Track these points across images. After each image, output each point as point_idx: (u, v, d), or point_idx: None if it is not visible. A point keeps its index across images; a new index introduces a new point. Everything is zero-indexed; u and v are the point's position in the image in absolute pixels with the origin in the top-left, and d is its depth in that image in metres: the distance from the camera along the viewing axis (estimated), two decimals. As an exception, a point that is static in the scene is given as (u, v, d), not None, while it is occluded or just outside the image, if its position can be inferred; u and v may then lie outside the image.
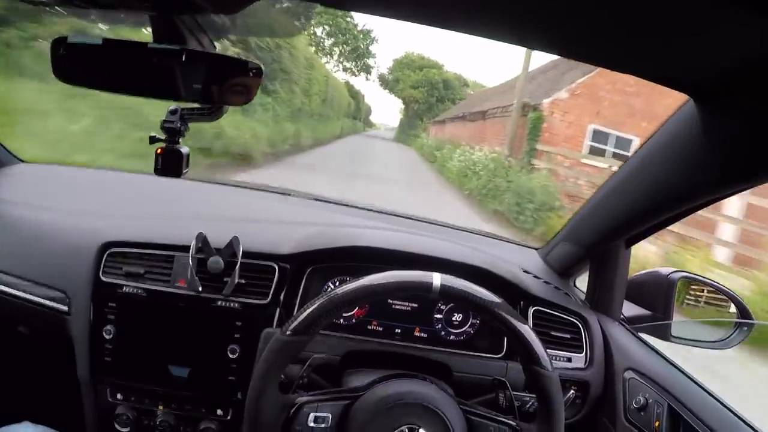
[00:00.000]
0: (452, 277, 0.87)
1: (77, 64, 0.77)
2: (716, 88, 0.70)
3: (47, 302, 1.19)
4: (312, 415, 0.86)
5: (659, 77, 0.72)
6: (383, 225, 1.53)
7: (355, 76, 42.45)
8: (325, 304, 0.85)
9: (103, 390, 1.19)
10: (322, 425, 0.87)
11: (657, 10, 0.51)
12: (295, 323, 0.84)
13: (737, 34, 0.53)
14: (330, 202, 1.70)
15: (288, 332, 0.84)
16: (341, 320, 1.23)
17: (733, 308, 1.30)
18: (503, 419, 0.92)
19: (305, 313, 0.85)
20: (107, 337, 1.15)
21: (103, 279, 1.16)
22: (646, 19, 0.53)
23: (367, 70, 45.86)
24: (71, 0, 0.73)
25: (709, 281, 1.33)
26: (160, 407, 1.19)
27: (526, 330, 0.87)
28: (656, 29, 0.56)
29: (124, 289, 1.15)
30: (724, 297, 1.31)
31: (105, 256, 1.18)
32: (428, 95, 41.60)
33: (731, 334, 1.29)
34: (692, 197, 0.96)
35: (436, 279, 0.86)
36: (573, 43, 0.68)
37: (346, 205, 1.70)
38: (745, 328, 1.28)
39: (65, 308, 1.18)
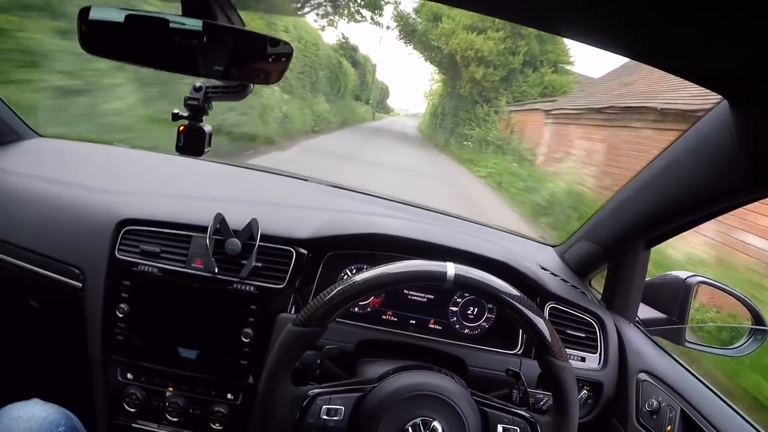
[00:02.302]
0: (466, 267, 0.86)
1: (101, 38, 0.76)
2: (752, 90, 0.68)
3: (61, 278, 1.19)
4: (324, 408, 0.86)
5: (694, 75, 0.70)
6: (401, 214, 1.52)
7: (359, 21, 22.78)
8: (336, 296, 0.84)
9: (113, 369, 1.19)
10: (335, 417, 0.86)
11: (696, 6, 0.49)
12: (307, 315, 0.84)
13: None
14: (348, 190, 1.69)
15: (300, 323, 0.84)
16: (356, 309, 1.23)
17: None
18: (518, 411, 0.91)
19: (317, 305, 0.84)
20: (120, 315, 1.15)
21: (119, 256, 1.16)
22: (684, 14, 0.52)
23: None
24: None
25: (726, 287, 1.31)
26: (170, 388, 1.19)
27: (541, 321, 0.86)
28: (695, 25, 0.54)
29: (139, 267, 1.15)
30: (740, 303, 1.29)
31: (121, 233, 1.18)
32: (505, 57, 17.47)
33: (746, 341, 1.28)
34: (719, 200, 0.94)
35: (450, 269, 0.85)
36: (609, 35, 0.67)
37: (365, 193, 1.69)
38: (760, 336, 1.26)
39: (79, 284, 1.17)
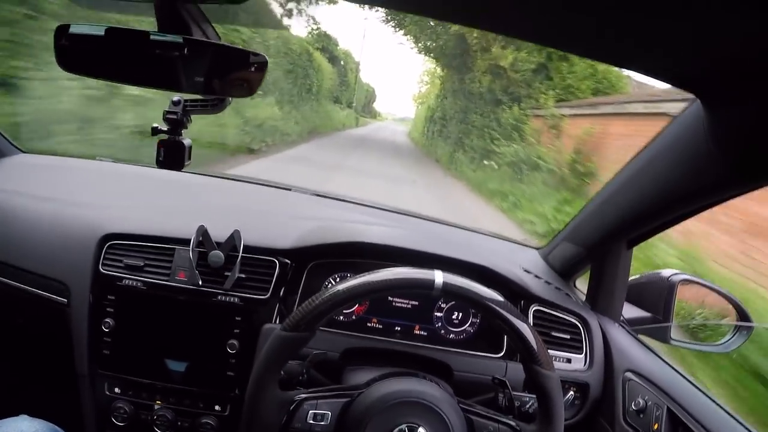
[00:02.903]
0: (454, 275, 0.87)
1: (80, 54, 0.76)
2: (723, 89, 0.69)
3: (46, 294, 1.18)
4: (311, 413, 0.86)
5: (666, 76, 0.71)
6: (385, 222, 1.53)
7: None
8: (325, 301, 0.84)
9: (100, 384, 1.19)
10: (322, 422, 0.86)
11: (663, 7, 0.50)
12: (296, 319, 0.84)
13: (746, 33, 0.52)
14: (331, 198, 1.69)
15: (288, 328, 0.84)
16: (341, 317, 1.23)
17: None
18: (503, 419, 0.92)
19: (306, 310, 0.84)
20: (106, 329, 1.14)
21: (103, 271, 1.16)
22: (652, 16, 0.53)
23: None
24: None
25: (709, 284, 1.32)
26: (158, 402, 1.18)
27: (528, 330, 0.86)
28: (663, 26, 0.55)
29: (123, 281, 1.15)
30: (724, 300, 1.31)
31: (105, 248, 1.18)
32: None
33: (731, 338, 1.29)
34: (696, 199, 0.95)
35: (438, 277, 0.85)
36: (576, 39, 0.68)
37: (348, 201, 1.69)
38: (744, 331, 1.27)
39: (64, 300, 1.17)
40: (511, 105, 12.68)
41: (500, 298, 0.87)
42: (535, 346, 0.86)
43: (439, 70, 22.67)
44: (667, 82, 0.73)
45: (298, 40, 16.16)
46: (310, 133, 15.73)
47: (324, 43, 23.86)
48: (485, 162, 12.34)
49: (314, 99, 17.99)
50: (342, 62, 30.49)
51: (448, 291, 0.86)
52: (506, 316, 0.86)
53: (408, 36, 18.96)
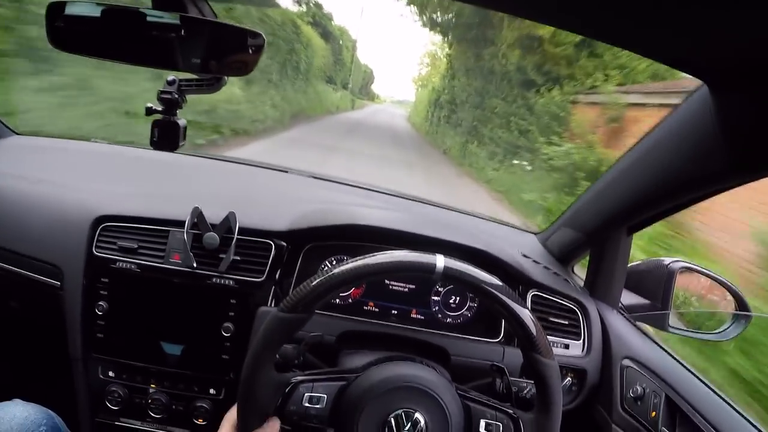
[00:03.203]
0: (455, 259, 0.86)
1: (74, 33, 0.75)
2: (732, 75, 0.68)
3: (39, 277, 1.17)
4: (307, 395, 0.85)
5: (673, 60, 0.70)
6: (382, 204, 1.52)
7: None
8: (323, 282, 0.83)
9: (94, 367, 1.18)
10: (317, 405, 0.85)
11: None
12: (294, 300, 0.83)
13: (754, 19, 0.51)
14: (328, 180, 1.68)
15: (285, 309, 0.83)
16: (337, 300, 1.22)
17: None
18: (501, 407, 0.91)
19: (304, 291, 0.83)
20: (99, 312, 1.14)
21: (96, 253, 1.15)
22: (660, 3, 0.52)
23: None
24: None
25: (708, 272, 1.32)
26: (153, 385, 1.18)
27: (529, 317, 0.85)
28: (671, 10, 0.54)
29: (117, 264, 1.14)
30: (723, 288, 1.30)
31: (98, 230, 1.16)
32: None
33: (729, 326, 1.29)
34: (699, 186, 0.94)
35: (440, 261, 0.84)
36: (587, 21, 0.67)
37: (345, 184, 1.68)
38: (743, 320, 1.27)
39: (58, 283, 1.16)
40: (551, 87, 9.50)
41: (500, 284, 0.86)
42: (534, 333, 0.85)
43: (446, 46, 19.49)
44: (675, 67, 0.72)
45: (281, 12, 14.41)
46: (294, 118, 13.49)
47: (316, 16, 21.32)
48: (515, 161, 9.43)
49: (302, 78, 15.95)
50: (338, 40, 28.06)
51: (449, 275, 0.84)
52: (506, 301, 0.84)
53: (411, 5, 17.14)
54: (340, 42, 28.75)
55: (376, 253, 0.85)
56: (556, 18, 0.70)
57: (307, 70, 16.56)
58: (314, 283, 0.83)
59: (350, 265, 0.84)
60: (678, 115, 0.91)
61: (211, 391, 1.18)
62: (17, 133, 1.55)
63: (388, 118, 32.95)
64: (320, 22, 22.09)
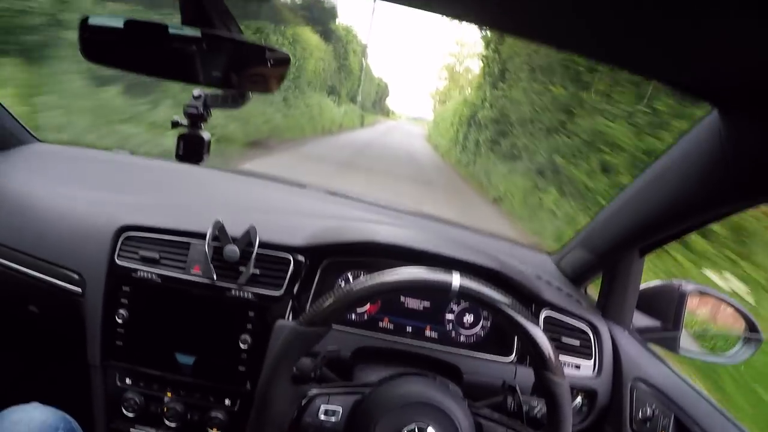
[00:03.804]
0: (471, 278, 0.87)
1: (101, 45, 0.78)
2: (741, 100, 0.69)
3: (61, 283, 1.19)
4: (323, 408, 0.87)
5: (683, 86, 0.71)
6: (398, 222, 1.53)
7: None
8: (342, 297, 0.84)
9: (112, 374, 1.19)
10: (332, 418, 0.87)
11: (680, 16, 0.49)
12: (312, 314, 0.84)
13: (765, 43, 0.51)
14: (345, 197, 1.70)
15: (304, 323, 0.84)
16: (353, 316, 1.23)
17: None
18: (512, 425, 0.92)
19: (323, 305, 0.85)
20: (119, 321, 1.15)
21: (119, 262, 1.17)
22: (671, 22, 0.52)
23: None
24: None
25: (720, 295, 1.32)
26: (168, 394, 1.19)
27: (542, 337, 0.86)
28: (682, 33, 0.54)
29: (138, 273, 1.15)
30: (734, 311, 1.30)
31: (121, 239, 1.18)
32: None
33: (739, 349, 1.29)
34: (709, 209, 0.95)
35: (456, 279, 0.85)
36: (595, 44, 0.68)
37: (361, 201, 1.69)
38: (754, 343, 1.27)
39: (79, 290, 1.18)
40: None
41: (514, 303, 0.87)
42: (547, 353, 0.86)
43: (485, 43, 14.55)
44: (685, 93, 0.72)
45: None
46: (256, 147, 9.17)
47: (312, 8, 16.55)
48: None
49: (288, 87, 12.38)
50: (343, 41, 21.91)
51: (464, 293, 0.86)
52: (520, 321, 0.86)
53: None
54: (346, 44, 22.64)
55: (393, 270, 0.87)
56: (565, 42, 0.71)
57: (297, 76, 13.10)
58: (333, 298, 0.85)
59: (368, 281, 0.86)
60: (689, 139, 0.92)
61: (227, 402, 1.19)
62: (40, 140, 1.58)
63: (404, 137, 28.35)
64: (318, 17, 16.90)
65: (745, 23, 0.48)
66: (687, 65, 0.63)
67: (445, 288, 0.85)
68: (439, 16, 0.68)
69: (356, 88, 28.00)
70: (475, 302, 0.87)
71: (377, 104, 45.68)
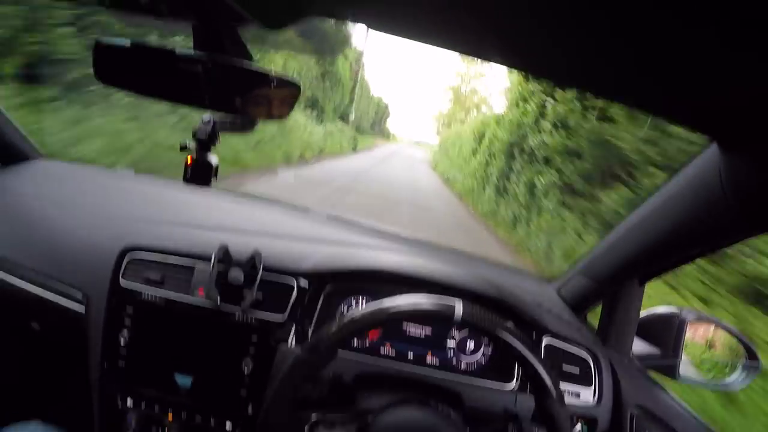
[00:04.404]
0: (474, 306, 0.88)
1: (112, 66, 0.79)
2: (740, 134, 0.70)
3: (64, 301, 1.19)
4: None
5: (683, 119, 0.72)
6: (401, 248, 1.54)
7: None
8: (347, 325, 0.86)
9: (113, 394, 1.19)
10: None
11: (683, 50, 0.51)
12: (317, 342, 0.85)
13: (765, 76, 0.52)
14: (347, 222, 1.72)
15: (308, 350, 0.85)
16: (355, 342, 1.24)
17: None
18: None
19: (328, 332, 0.85)
20: (122, 341, 1.15)
21: (123, 283, 1.17)
22: (671, 59, 0.53)
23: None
24: (111, 3, 0.76)
25: (719, 322, 1.33)
26: (170, 416, 1.19)
27: (542, 366, 0.87)
28: (679, 67, 0.55)
29: (142, 294, 1.16)
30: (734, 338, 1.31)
31: (125, 260, 1.19)
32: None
33: (739, 376, 1.29)
34: (708, 240, 0.97)
35: (458, 307, 0.87)
36: (592, 78, 0.69)
37: (363, 226, 1.71)
38: (753, 370, 1.28)
39: (82, 309, 1.18)
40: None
41: (516, 332, 0.88)
42: (548, 382, 0.87)
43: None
44: (684, 126, 0.74)
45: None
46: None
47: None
48: None
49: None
50: (329, 42, 17.79)
51: (467, 321, 0.87)
52: (522, 350, 0.87)
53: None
54: (332, 44, 18.08)
55: (396, 298, 0.88)
56: (566, 77, 0.73)
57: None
58: (337, 325, 0.85)
59: (371, 308, 0.87)
60: (688, 170, 0.94)
61: (228, 425, 1.18)
62: (45, 157, 1.59)
63: (405, 164, 23.49)
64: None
65: (742, 59, 0.49)
66: (686, 101, 0.65)
67: (448, 316, 0.87)
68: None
69: (348, 104, 22.36)
70: (478, 330, 0.88)
71: (376, 125, 40.81)
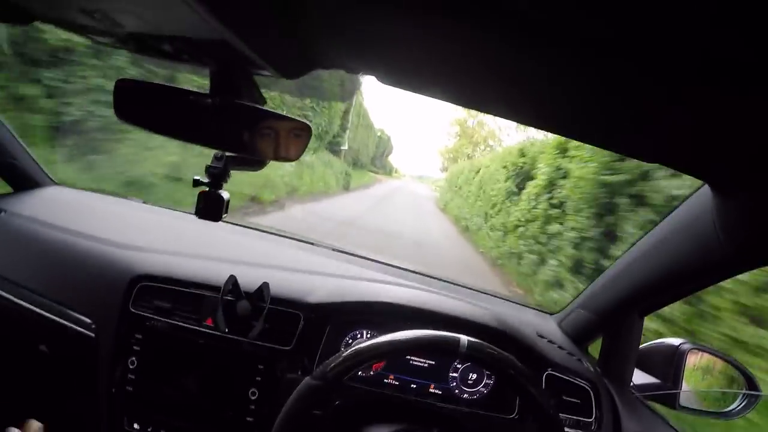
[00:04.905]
0: (478, 340, 0.91)
1: (131, 106, 0.82)
2: (731, 177, 0.73)
3: (74, 326, 1.22)
4: None
5: (675, 163, 0.75)
6: (404, 282, 1.56)
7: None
8: (355, 355, 0.88)
9: (120, 418, 1.21)
10: None
11: (673, 100, 0.53)
12: (327, 369, 0.88)
13: (752, 121, 0.54)
14: (352, 255, 1.74)
15: (318, 378, 0.88)
16: (359, 372, 1.25)
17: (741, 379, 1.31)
18: None
19: (337, 361, 0.88)
20: (131, 366, 1.17)
21: (132, 310, 1.19)
22: (663, 108, 0.56)
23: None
24: (136, 49, 0.79)
25: (718, 353, 1.35)
26: None
27: (546, 400, 0.90)
28: (668, 114, 0.58)
29: (152, 322, 1.18)
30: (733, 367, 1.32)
31: (136, 288, 1.21)
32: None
33: (739, 406, 1.30)
34: (702, 276, 1.00)
35: (463, 341, 0.89)
36: (586, 128, 0.72)
37: (368, 259, 1.74)
38: (753, 399, 1.29)
39: (91, 334, 1.20)
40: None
41: (520, 366, 0.91)
42: (550, 416, 0.89)
43: None
44: (676, 169, 0.76)
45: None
46: None
47: None
48: None
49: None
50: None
51: (472, 356, 0.90)
52: (527, 386, 0.90)
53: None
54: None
55: (403, 332, 0.91)
56: (562, 127, 0.76)
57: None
58: (345, 355, 0.88)
59: (380, 340, 0.90)
60: (681, 211, 0.97)
61: None
62: (57, 183, 1.62)
63: (408, 204, 19.88)
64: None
65: (728, 104, 0.52)
66: (677, 147, 0.68)
67: (453, 349, 0.89)
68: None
69: (338, 132, 18.25)
70: (482, 364, 0.91)
71: (378, 160, 38.62)
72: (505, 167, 10.28)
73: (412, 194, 25.71)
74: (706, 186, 0.84)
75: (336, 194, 15.01)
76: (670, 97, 0.53)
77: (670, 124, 0.61)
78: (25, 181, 1.54)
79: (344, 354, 0.89)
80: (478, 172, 14.79)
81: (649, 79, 0.50)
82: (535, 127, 0.76)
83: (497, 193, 10.44)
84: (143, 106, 0.82)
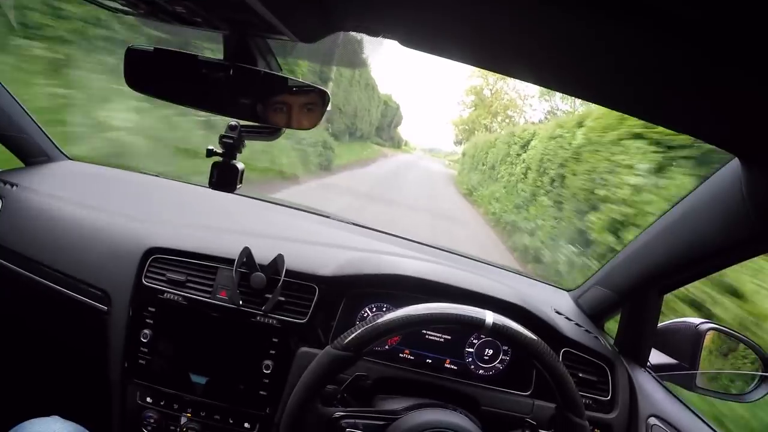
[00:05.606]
0: (503, 317, 0.90)
1: (140, 73, 0.80)
2: (763, 149, 0.71)
3: (87, 300, 1.22)
4: (348, 431, 0.89)
5: (706, 135, 0.73)
6: (420, 255, 1.55)
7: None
8: (377, 327, 0.88)
9: (132, 392, 1.21)
10: None
11: (707, 70, 0.51)
12: (349, 339, 0.88)
13: None
14: (368, 228, 1.73)
15: (339, 347, 0.87)
16: (375, 347, 1.25)
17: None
18: None
19: (359, 331, 0.88)
20: (143, 340, 1.17)
21: (146, 283, 1.19)
22: (697, 78, 0.54)
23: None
24: (146, 13, 0.77)
25: (737, 334, 1.32)
26: (188, 414, 1.20)
27: (569, 378, 0.89)
28: (707, 88, 0.56)
29: (165, 295, 1.18)
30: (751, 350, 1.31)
31: (149, 261, 1.21)
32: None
33: (756, 387, 1.29)
34: (728, 253, 0.97)
35: (489, 317, 0.89)
36: (620, 97, 0.70)
37: (384, 233, 1.72)
38: (769, 382, 1.27)
39: (105, 308, 1.20)
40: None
41: (544, 344, 0.90)
42: (574, 396, 0.89)
43: None
44: (706, 141, 0.75)
45: None
46: None
47: None
48: None
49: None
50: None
51: (497, 331, 0.89)
52: (550, 362, 0.89)
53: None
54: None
55: (427, 304, 0.90)
56: (594, 94, 0.74)
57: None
58: (369, 326, 0.88)
59: (403, 312, 0.89)
60: (709, 184, 0.94)
61: (246, 425, 1.20)
62: (69, 158, 1.61)
63: (421, 186, 16.24)
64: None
65: (761, 78, 0.50)
66: (710, 119, 0.66)
67: (478, 324, 0.89)
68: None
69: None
70: (506, 340, 0.90)
71: (384, 131, 33.63)
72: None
73: (426, 172, 20.40)
74: (736, 159, 0.81)
75: (303, 181, 9.70)
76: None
77: (712, 100, 0.59)
78: (36, 155, 1.53)
79: (369, 324, 0.88)
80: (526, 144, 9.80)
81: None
82: (567, 93, 0.74)
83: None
84: (154, 74, 0.80)
